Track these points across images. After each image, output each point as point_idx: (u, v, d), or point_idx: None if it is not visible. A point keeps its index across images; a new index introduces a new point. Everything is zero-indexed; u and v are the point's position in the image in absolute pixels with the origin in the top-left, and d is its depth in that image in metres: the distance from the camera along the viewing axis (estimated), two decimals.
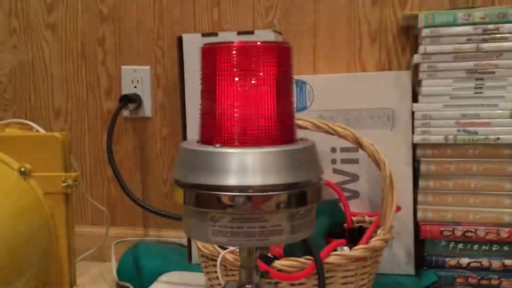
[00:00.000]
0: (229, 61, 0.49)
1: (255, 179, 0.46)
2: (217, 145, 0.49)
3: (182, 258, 1.08)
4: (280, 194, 0.47)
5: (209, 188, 0.47)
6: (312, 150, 0.51)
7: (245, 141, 0.49)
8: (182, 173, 0.49)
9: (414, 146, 0.95)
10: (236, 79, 0.49)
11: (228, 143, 0.49)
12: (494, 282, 0.92)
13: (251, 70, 0.49)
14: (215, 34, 1.02)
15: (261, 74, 0.49)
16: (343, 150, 1.00)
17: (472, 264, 0.93)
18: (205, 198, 0.47)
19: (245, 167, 0.47)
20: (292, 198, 0.47)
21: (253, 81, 0.49)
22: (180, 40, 1.03)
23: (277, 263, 0.74)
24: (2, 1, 1.22)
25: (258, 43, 0.49)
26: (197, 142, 0.52)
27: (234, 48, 0.49)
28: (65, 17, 1.19)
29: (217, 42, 0.50)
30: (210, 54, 0.50)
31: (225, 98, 0.49)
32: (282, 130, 0.50)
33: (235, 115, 0.49)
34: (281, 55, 0.50)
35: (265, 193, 0.46)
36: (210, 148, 0.48)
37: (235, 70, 0.49)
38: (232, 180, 0.47)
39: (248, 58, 0.49)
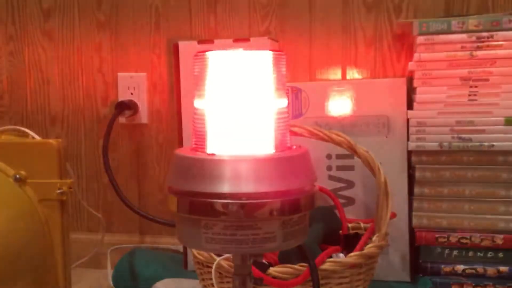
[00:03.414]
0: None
1: (248, 187, 0.47)
2: (211, 153, 0.49)
3: (178, 264, 1.08)
4: (273, 201, 0.47)
5: (203, 196, 0.47)
6: (305, 157, 0.51)
7: (239, 149, 0.49)
8: (176, 181, 0.50)
9: (409, 153, 0.96)
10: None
11: (222, 150, 0.49)
12: None
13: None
14: (211, 42, 1.02)
15: (255, 82, 0.50)
16: (339, 157, 1.01)
17: (467, 271, 0.93)
18: (199, 206, 0.48)
19: (238, 174, 0.47)
20: (285, 206, 0.48)
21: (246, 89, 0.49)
22: (176, 47, 1.04)
23: (272, 270, 0.74)
24: None
25: (251, 51, 0.49)
26: (191, 149, 0.52)
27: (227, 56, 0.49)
28: (61, 24, 1.20)
29: (210, 50, 0.50)
30: (203, 61, 0.50)
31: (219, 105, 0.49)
32: (276, 138, 0.50)
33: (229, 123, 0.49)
34: (274, 63, 0.50)
35: (258, 201, 0.47)
36: (203, 156, 0.49)
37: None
38: (225, 188, 0.47)
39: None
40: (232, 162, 0.47)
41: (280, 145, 0.51)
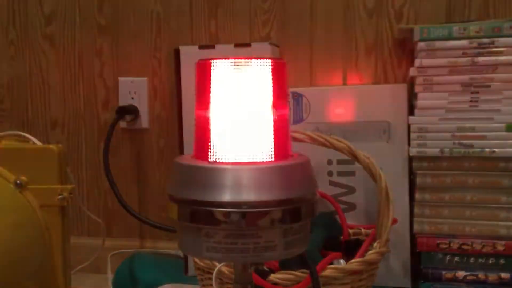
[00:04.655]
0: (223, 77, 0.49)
1: (249, 195, 0.47)
2: (212, 161, 0.49)
3: (178, 270, 1.08)
4: (274, 210, 0.47)
5: (204, 204, 0.47)
6: (306, 166, 0.51)
7: (240, 157, 0.49)
8: (177, 189, 0.50)
9: (410, 159, 0.95)
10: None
11: (223, 159, 0.49)
12: None
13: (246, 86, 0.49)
14: (212, 47, 1.02)
15: (256, 90, 0.49)
16: (340, 162, 1.00)
17: (468, 277, 0.93)
18: (200, 214, 0.47)
19: (240, 183, 0.47)
20: (286, 214, 0.47)
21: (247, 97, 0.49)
22: (177, 52, 1.04)
23: (273, 277, 0.73)
24: (0, 12, 1.22)
25: (253, 59, 0.49)
26: (192, 157, 0.52)
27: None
28: (62, 28, 1.20)
29: (212, 58, 0.50)
30: (204, 69, 0.50)
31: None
32: (277, 146, 0.50)
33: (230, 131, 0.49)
34: (275, 71, 0.50)
35: (260, 209, 0.47)
36: (204, 164, 0.49)
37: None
38: (226, 196, 0.47)
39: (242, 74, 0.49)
40: (233, 170, 0.47)
41: (282, 153, 0.51)
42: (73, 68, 1.20)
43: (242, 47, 1.01)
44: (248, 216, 0.46)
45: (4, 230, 0.76)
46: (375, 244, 0.81)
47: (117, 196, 1.05)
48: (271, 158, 0.50)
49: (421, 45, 0.91)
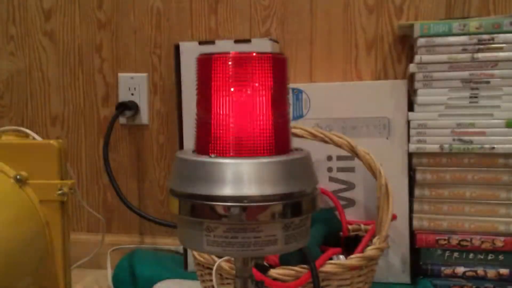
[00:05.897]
0: (224, 72, 0.49)
1: (250, 190, 0.47)
2: (212, 155, 0.49)
3: (178, 265, 1.08)
4: (275, 204, 0.47)
5: (204, 198, 0.47)
6: (307, 160, 0.51)
7: (240, 152, 0.49)
8: (177, 183, 0.50)
9: (410, 155, 0.96)
10: (232, 89, 0.49)
11: (223, 153, 0.49)
12: None
13: (247, 80, 0.49)
14: (212, 43, 1.02)
15: (257, 84, 0.49)
16: (339, 158, 1.01)
17: (467, 273, 0.93)
18: (200, 208, 0.47)
19: (240, 177, 0.47)
20: (287, 209, 0.47)
21: (248, 92, 0.49)
22: (177, 48, 1.04)
23: (273, 272, 0.74)
24: None
25: (254, 54, 0.49)
26: (193, 151, 0.52)
27: (229, 59, 0.49)
28: (62, 24, 1.20)
29: (213, 53, 0.50)
30: (205, 64, 0.50)
31: (221, 108, 0.49)
32: (278, 141, 0.50)
33: (231, 125, 0.49)
34: (276, 66, 0.50)
35: (260, 204, 0.47)
36: (205, 158, 0.49)
37: (230, 80, 0.49)
38: (227, 190, 0.47)
39: (243, 69, 0.49)
40: (234, 164, 0.47)
41: (282, 147, 0.51)
42: (73, 64, 1.20)
43: (242, 43, 1.01)
44: (249, 210, 0.46)
45: (4, 225, 0.76)
46: (374, 240, 0.81)
47: (117, 191, 1.05)
48: (272, 152, 0.50)
49: (421, 41, 0.91)
